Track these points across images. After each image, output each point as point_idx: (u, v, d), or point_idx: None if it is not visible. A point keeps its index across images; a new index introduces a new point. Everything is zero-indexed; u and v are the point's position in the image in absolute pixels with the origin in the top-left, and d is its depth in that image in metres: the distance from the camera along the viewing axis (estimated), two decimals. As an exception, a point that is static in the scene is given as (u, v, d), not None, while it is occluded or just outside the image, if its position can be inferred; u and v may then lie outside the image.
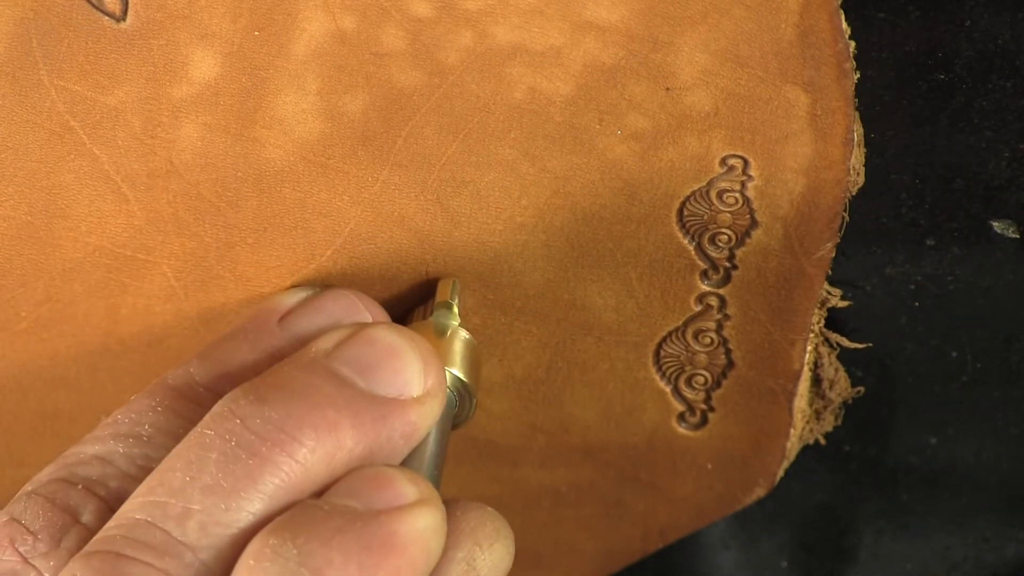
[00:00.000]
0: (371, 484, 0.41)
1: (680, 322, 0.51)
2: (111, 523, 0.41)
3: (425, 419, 0.44)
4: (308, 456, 0.41)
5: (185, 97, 0.46)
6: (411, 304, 0.50)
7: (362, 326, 0.45)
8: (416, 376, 0.44)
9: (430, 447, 0.45)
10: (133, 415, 0.45)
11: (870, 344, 0.52)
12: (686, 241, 0.49)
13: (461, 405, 0.48)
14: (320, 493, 0.41)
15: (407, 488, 0.41)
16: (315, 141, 0.47)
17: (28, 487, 0.44)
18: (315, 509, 0.40)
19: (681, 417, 0.53)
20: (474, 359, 0.48)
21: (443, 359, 0.46)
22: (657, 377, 0.52)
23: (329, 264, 0.49)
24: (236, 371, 0.46)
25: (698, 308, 0.50)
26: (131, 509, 0.41)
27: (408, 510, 0.41)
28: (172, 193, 0.48)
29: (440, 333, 0.48)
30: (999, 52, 0.46)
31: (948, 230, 0.50)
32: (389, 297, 0.50)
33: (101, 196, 0.48)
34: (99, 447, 0.44)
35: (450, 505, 0.44)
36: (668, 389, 0.53)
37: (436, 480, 0.45)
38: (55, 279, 0.50)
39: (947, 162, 0.48)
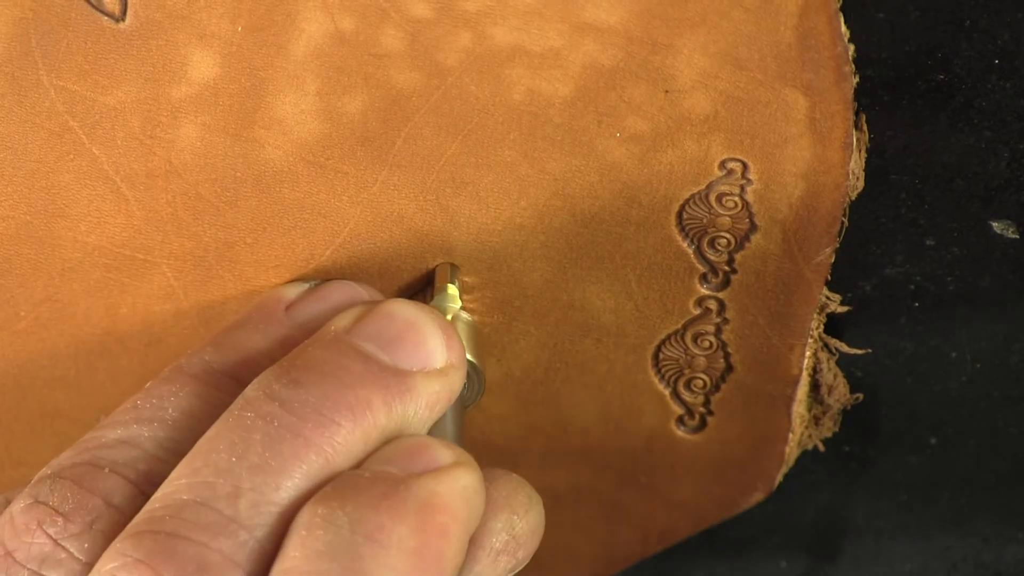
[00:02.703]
0: (407, 451, 0.42)
1: (679, 325, 0.51)
2: (154, 504, 0.41)
3: (449, 390, 0.45)
4: (347, 436, 0.42)
5: (184, 97, 0.46)
6: (411, 296, 0.50)
7: (377, 303, 0.45)
8: (438, 348, 0.44)
9: (449, 422, 0.46)
10: (154, 400, 0.45)
11: (869, 350, 0.52)
12: (685, 244, 0.49)
13: (470, 386, 0.48)
14: (358, 465, 0.42)
15: (442, 452, 0.42)
16: (314, 141, 0.47)
17: (47, 471, 0.44)
18: (358, 478, 0.41)
19: (680, 420, 0.53)
20: (479, 341, 0.49)
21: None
22: (656, 380, 0.52)
23: (328, 264, 0.49)
24: (251, 357, 0.46)
25: (697, 311, 0.50)
26: (175, 490, 0.41)
27: (446, 471, 0.42)
28: (171, 193, 0.48)
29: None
30: (998, 52, 0.45)
31: (948, 230, 0.50)
32: (389, 295, 0.50)
33: (100, 196, 0.48)
34: (122, 431, 0.44)
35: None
36: (667, 392, 0.53)
37: None
38: (54, 279, 0.50)
39: (947, 162, 0.48)
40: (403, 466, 0.42)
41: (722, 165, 0.46)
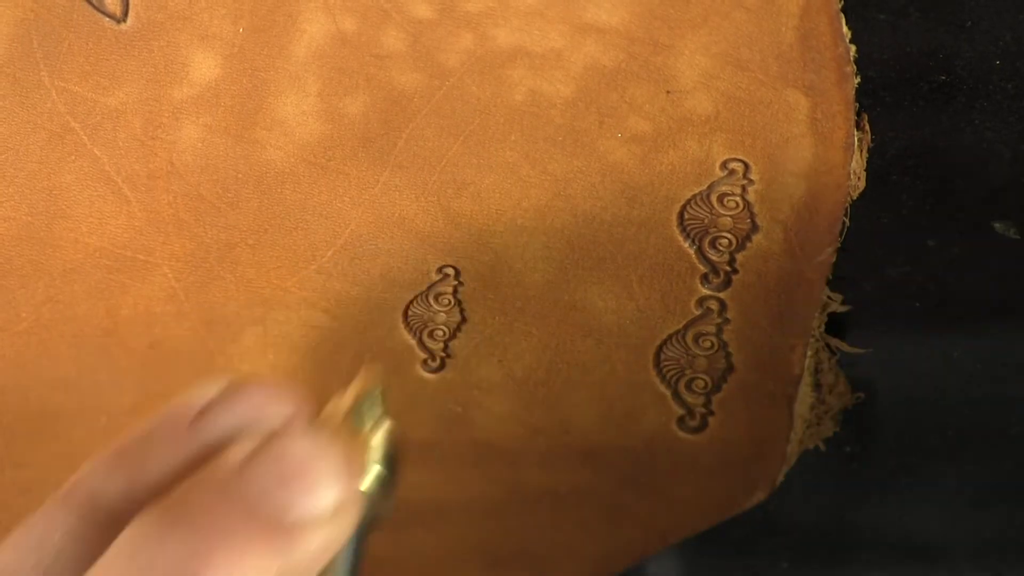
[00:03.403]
0: None
1: (680, 325, 0.51)
2: None
3: (341, 531, 0.43)
4: None
5: (186, 98, 0.46)
6: (411, 295, 0.50)
7: (272, 438, 0.43)
8: (329, 490, 0.43)
9: (346, 554, 0.44)
10: (36, 536, 0.43)
11: (869, 349, 0.52)
12: (687, 244, 0.49)
13: (383, 499, 0.46)
14: None
15: None
16: (315, 142, 0.47)
17: None
18: None
19: (681, 420, 0.53)
20: (395, 448, 0.46)
21: (363, 458, 0.45)
22: (657, 380, 0.52)
23: (329, 265, 0.49)
24: (149, 483, 0.44)
25: (698, 312, 0.50)
26: None
27: None
28: (173, 194, 0.48)
29: (360, 425, 0.46)
30: (1000, 53, 0.46)
31: (949, 230, 0.50)
32: (388, 298, 0.50)
33: (102, 197, 0.48)
34: (6, 556, 0.43)
35: None
36: (668, 392, 0.53)
37: None
38: (55, 280, 0.50)
39: (948, 163, 0.48)
40: None
41: (723, 165, 0.47)
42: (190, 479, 0.43)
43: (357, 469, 0.44)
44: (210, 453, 0.43)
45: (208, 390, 0.45)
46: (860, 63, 0.45)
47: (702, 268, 0.49)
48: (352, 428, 0.45)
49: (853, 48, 0.44)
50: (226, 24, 0.45)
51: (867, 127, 0.46)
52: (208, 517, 0.41)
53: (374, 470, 0.45)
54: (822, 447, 0.55)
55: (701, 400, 0.53)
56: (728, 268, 0.49)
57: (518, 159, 0.47)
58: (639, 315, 0.51)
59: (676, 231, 0.48)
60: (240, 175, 0.47)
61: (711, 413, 0.53)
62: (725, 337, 0.51)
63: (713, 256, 0.49)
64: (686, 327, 0.51)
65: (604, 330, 0.51)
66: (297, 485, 0.42)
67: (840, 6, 0.43)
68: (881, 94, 0.46)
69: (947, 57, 0.46)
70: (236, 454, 0.43)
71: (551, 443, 0.55)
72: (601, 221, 0.48)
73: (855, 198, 0.47)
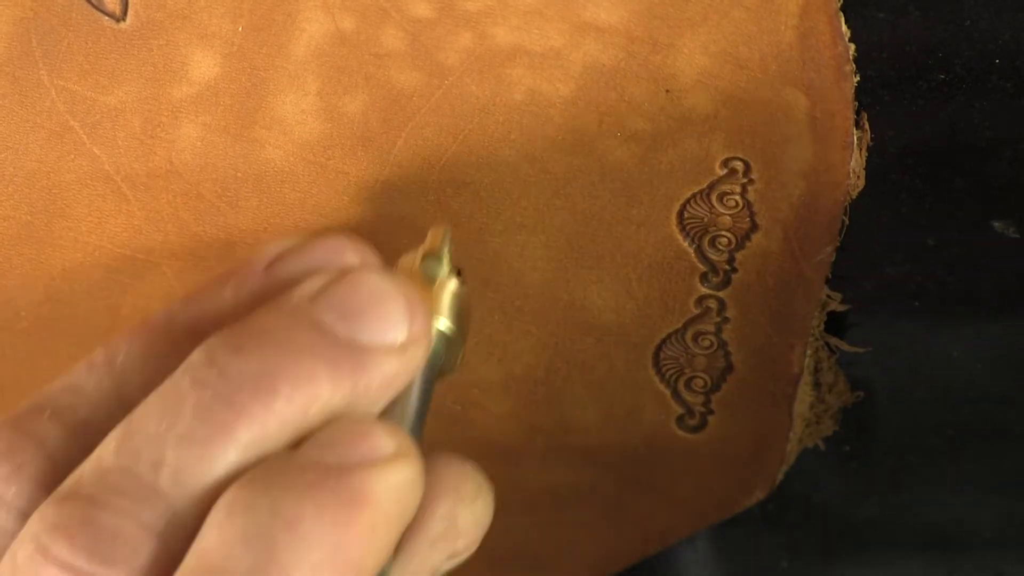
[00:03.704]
0: (347, 437, 0.40)
1: (679, 324, 0.51)
2: (85, 466, 0.40)
3: (407, 368, 0.43)
4: (284, 407, 0.40)
5: (185, 97, 0.46)
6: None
7: (346, 270, 0.43)
8: (399, 323, 0.42)
9: (413, 397, 0.44)
10: (110, 349, 0.44)
11: (869, 348, 0.52)
12: (686, 243, 0.49)
13: (449, 355, 0.46)
14: (297, 443, 0.41)
15: (384, 441, 0.41)
16: (315, 141, 0.47)
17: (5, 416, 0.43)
18: (288, 462, 0.40)
19: (680, 419, 0.53)
20: (463, 308, 0.47)
21: (432, 307, 0.45)
22: (657, 379, 0.52)
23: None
24: (217, 314, 0.44)
25: (697, 311, 0.50)
26: (106, 454, 0.40)
27: (383, 465, 0.40)
28: (172, 193, 0.48)
29: (429, 281, 0.46)
30: (999, 52, 0.45)
31: (949, 230, 0.50)
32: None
33: (101, 196, 0.48)
34: (72, 378, 0.44)
35: (431, 459, 0.43)
36: (668, 391, 0.53)
37: (417, 431, 0.44)
38: (55, 279, 0.50)
39: (948, 162, 0.48)
40: (340, 454, 0.40)
41: (723, 164, 0.47)
42: (263, 307, 0.43)
43: (428, 311, 0.44)
44: (284, 289, 0.43)
45: (283, 242, 0.46)
46: (859, 62, 0.45)
47: (701, 267, 0.49)
48: (421, 282, 0.45)
49: (852, 47, 0.44)
50: (225, 23, 0.45)
51: (866, 126, 0.46)
52: (280, 337, 0.41)
53: (442, 322, 0.45)
54: (821, 446, 0.55)
55: (700, 399, 0.53)
56: (727, 267, 0.49)
57: (517, 158, 0.47)
58: (638, 314, 0.51)
59: (675, 230, 0.48)
60: (239, 174, 0.47)
61: (711, 412, 0.53)
62: (724, 336, 0.51)
63: (712, 255, 0.49)
64: (685, 326, 0.51)
65: (603, 329, 0.51)
66: (369, 313, 0.42)
67: (839, 5, 0.43)
68: (880, 93, 0.46)
69: (946, 56, 0.46)
70: (310, 285, 0.43)
71: (551, 442, 0.55)
72: (600, 220, 0.48)
73: (854, 197, 0.47)
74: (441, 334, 0.46)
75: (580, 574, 0.60)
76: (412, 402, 0.44)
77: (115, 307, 0.51)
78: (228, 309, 0.45)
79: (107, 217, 0.48)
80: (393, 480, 0.40)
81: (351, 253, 0.45)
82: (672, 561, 0.61)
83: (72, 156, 0.47)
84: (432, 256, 0.46)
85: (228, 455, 0.40)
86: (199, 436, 0.40)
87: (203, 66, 0.46)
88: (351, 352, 0.42)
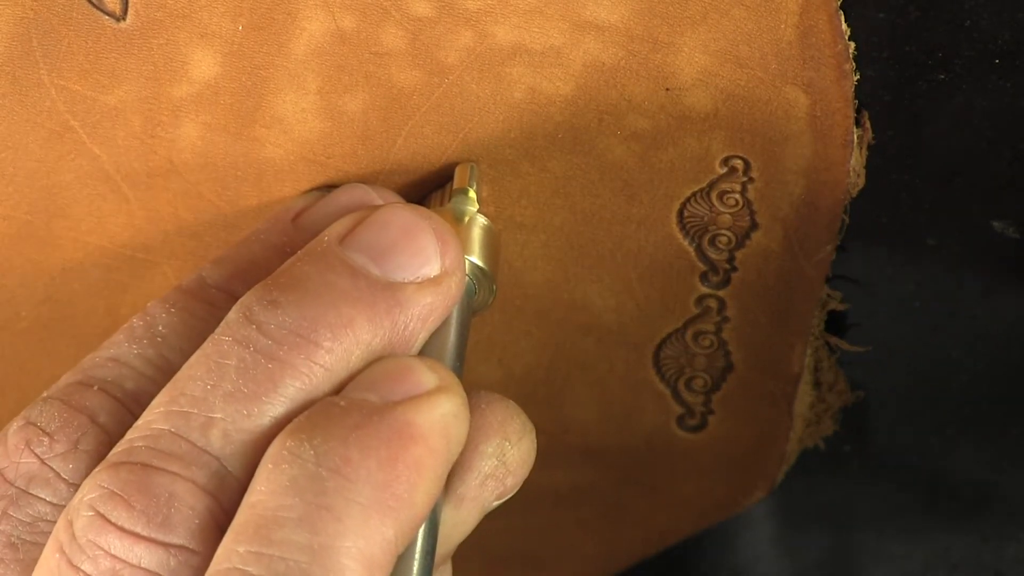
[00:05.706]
0: (389, 375, 0.41)
1: (680, 324, 0.51)
2: (134, 433, 0.41)
3: (444, 301, 0.43)
4: (326, 356, 0.41)
5: (185, 96, 0.46)
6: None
7: (374, 208, 0.44)
8: (433, 256, 0.43)
9: (451, 333, 0.44)
10: (148, 318, 0.44)
11: (869, 347, 0.52)
12: (686, 242, 0.49)
13: (480, 292, 0.46)
14: (340, 389, 0.41)
15: (425, 376, 0.41)
16: (315, 140, 0.47)
17: (45, 393, 0.44)
18: (332, 407, 0.40)
19: (680, 419, 0.53)
20: (493, 245, 0.47)
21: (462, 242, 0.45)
22: (657, 379, 0.52)
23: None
24: (248, 270, 0.45)
25: (697, 310, 0.50)
26: (154, 419, 0.41)
27: (426, 398, 0.40)
28: (172, 192, 0.48)
29: (458, 219, 0.46)
30: (999, 52, 0.45)
31: (948, 229, 0.50)
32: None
33: (101, 195, 0.48)
34: (114, 350, 0.44)
35: (475, 398, 0.43)
36: (668, 391, 0.53)
37: (458, 366, 0.44)
38: (55, 278, 0.50)
39: (947, 161, 0.48)
40: (382, 392, 0.40)
41: (723, 163, 0.47)
42: (294, 256, 0.43)
43: (459, 242, 0.44)
44: (313, 237, 0.43)
45: (309, 196, 0.46)
46: (859, 61, 0.45)
47: (701, 266, 0.49)
48: (450, 220, 0.45)
49: (852, 46, 0.44)
50: (225, 22, 0.45)
51: (867, 124, 0.46)
52: (314, 286, 0.41)
53: (473, 258, 0.45)
54: (821, 445, 0.55)
55: (701, 399, 0.53)
56: (727, 266, 0.49)
57: (517, 156, 0.47)
58: (638, 313, 0.51)
59: (675, 229, 0.48)
60: (240, 173, 0.47)
61: (711, 412, 0.53)
62: (724, 335, 0.51)
63: (712, 254, 0.49)
64: (685, 325, 0.51)
65: (604, 328, 0.51)
66: (400, 249, 0.43)
67: (839, 3, 0.43)
68: (880, 92, 0.46)
69: (946, 55, 0.46)
70: (338, 227, 0.43)
71: (551, 442, 0.55)
72: (600, 219, 0.48)
73: (854, 196, 0.47)
74: (474, 268, 0.45)
75: (580, 574, 0.60)
76: (450, 338, 0.44)
77: (115, 307, 0.51)
78: (261, 263, 0.45)
79: (107, 216, 0.48)
80: (437, 413, 0.40)
81: (376, 196, 0.45)
82: (672, 560, 0.61)
83: (72, 155, 0.47)
84: (460, 193, 0.46)
85: (275, 409, 0.40)
86: (244, 394, 0.40)
87: (203, 65, 0.46)
88: (386, 292, 0.42)
